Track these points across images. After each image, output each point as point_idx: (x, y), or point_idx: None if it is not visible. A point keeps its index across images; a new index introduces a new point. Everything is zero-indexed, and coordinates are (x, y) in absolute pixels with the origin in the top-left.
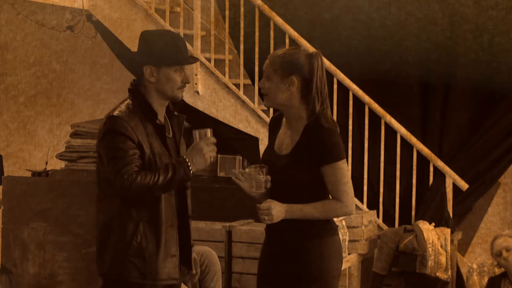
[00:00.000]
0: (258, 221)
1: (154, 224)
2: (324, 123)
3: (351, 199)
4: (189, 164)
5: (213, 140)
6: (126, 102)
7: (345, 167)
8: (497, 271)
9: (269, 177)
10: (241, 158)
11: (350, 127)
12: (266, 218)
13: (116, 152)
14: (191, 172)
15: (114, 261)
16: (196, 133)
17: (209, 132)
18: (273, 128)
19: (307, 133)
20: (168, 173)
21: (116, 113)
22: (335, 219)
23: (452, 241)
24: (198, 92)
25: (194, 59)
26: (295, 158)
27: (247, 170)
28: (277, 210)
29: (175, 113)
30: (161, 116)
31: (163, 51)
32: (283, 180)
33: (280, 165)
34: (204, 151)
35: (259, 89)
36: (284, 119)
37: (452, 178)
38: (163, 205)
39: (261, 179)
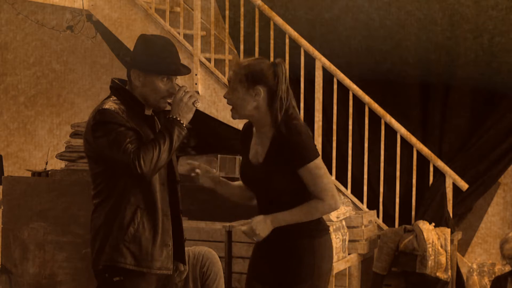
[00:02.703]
0: None
1: (152, 212)
2: (287, 129)
3: (332, 195)
4: (178, 118)
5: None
6: (110, 99)
7: (319, 166)
8: (497, 271)
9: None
10: (241, 158)
11: (350, 127)
12: (254, 238)
13: (115, 137)
14: (184, 125)
15: (109, 247)
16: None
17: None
18: (245, 138)
19: (274, 142)
20: (165, 135)
21: (105, 106)
22: (336, 218)
23: (452, 241)
24: (198, 92)
25: (186, 70)
26: (269, 167)
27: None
28: (262, 227)
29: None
30: (148, 112)
31: (153, 59)
32: (264, 189)
33: (257, 175)
34: (185, 100)
35: None
36: (254, 128)
37: (452, 178)
38: (158, 194)
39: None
